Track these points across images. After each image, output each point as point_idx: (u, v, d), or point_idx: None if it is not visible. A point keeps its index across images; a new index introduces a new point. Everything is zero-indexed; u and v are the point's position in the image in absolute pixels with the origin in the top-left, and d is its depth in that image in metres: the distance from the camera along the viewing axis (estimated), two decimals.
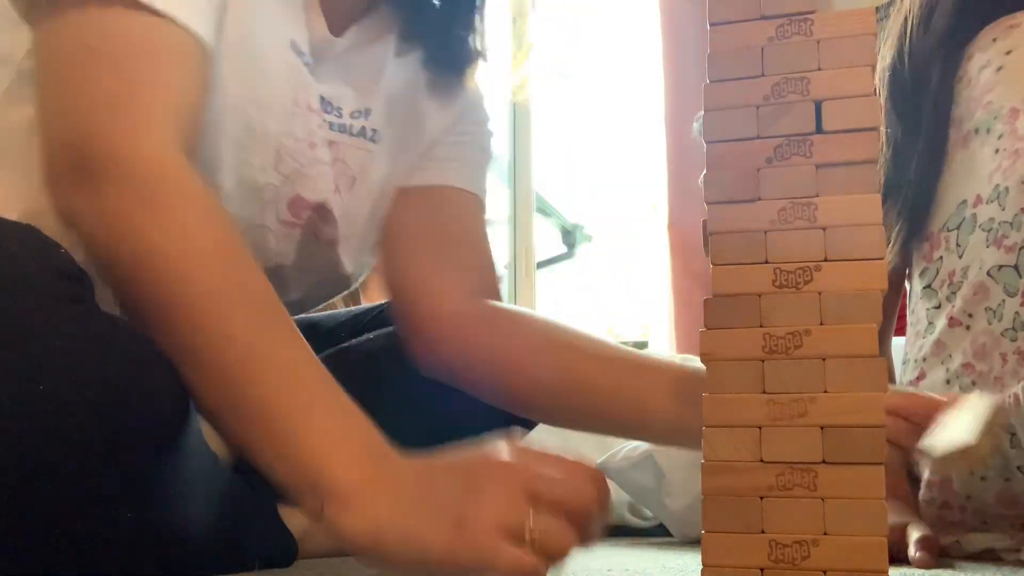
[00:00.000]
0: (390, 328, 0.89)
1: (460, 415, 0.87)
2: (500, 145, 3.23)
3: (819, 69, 0.50)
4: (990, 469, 0.70)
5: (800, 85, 0.51)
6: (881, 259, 0.48)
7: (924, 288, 0.78)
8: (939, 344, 0.76)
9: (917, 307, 0.80)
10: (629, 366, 0.74)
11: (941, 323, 0.75)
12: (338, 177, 0.80)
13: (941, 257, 0.76)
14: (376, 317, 0.95)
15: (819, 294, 0.49)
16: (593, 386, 0.74)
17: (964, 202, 0.75)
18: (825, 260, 0.49)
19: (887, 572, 0.46)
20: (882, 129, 0.92)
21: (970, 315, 0.72)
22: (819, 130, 0.50)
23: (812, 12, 0.51)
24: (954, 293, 0.74)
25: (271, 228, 0.78)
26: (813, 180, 0.50)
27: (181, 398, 0.62)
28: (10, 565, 0.56)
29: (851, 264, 0.48)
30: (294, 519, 0.77)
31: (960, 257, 0.74)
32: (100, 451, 0.56)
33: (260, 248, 0.77)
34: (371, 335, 0.89)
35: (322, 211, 0.80)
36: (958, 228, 0.75)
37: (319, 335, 0.95)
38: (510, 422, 0.92)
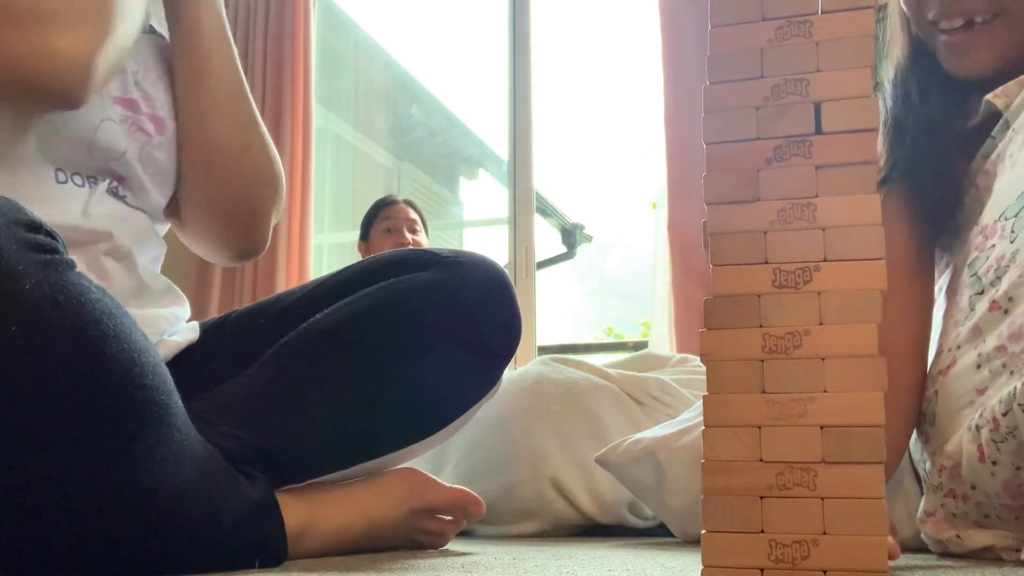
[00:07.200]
0: (348, 298, 0.90)
1: (427, 380, 0.87)
2: (500, 145, 3.23)
3: (818, 71, 0.50)
4: (1002, 455, 0.69)
5: (799, 86, 0.51)
6: (881, 259, 0.49)
7: (971, 276, 0.77)
8: (975, 329, 0.75)
9: (960, 297, 0.79)
10: None
11: (982, 308, 0.74)
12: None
13: (994, 245, 0.75)
14: (324, 293, 0.95)
15: (819, 294, 0.49)
16: None
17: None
18: (825, 260, 0.49)
19: (887, 572, 0.46)
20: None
21: (1010, 299, 0.71)
22: (818, 131, 0.50)
23: (812, 14, 0.52)
24: (999, 278, 0.73)
25: (115, 120, 0.83)
26: (813, 181, 0.50)
27: (153, 353, 0.61)
28: None
29: (851, 264, 0.49)
30: (291, 517, 0.77)
31: (1012, 243, 0.73)
32: (73, 395, 0.55)
33: (113, 142, 0.83)
34: (328, 310, 0.89)
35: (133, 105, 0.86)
36: (1016, 216, 0.74)
37: (278, 314, 0.95)
38: (481, 383, 0.92)
